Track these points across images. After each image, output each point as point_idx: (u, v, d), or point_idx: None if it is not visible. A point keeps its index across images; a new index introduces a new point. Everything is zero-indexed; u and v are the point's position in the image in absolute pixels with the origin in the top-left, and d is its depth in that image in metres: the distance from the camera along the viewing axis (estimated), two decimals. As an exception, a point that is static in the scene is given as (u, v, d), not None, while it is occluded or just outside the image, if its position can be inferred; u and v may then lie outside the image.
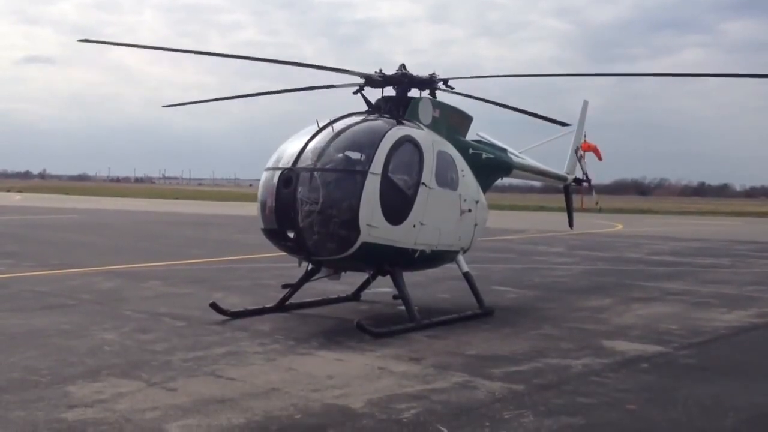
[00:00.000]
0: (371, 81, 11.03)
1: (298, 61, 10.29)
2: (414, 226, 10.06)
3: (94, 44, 10.25)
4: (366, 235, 9.49)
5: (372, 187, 9.54)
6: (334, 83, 11.22)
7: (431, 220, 10.30)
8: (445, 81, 11.42)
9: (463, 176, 11.22)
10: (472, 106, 11.99)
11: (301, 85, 11.87)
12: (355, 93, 11.16)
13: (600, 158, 28.40)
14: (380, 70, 11.06)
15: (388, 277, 10.51)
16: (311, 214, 9.49)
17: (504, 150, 13.32)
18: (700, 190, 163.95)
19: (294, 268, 11.01)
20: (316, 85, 11.55)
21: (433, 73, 11.31)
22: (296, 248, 9.89)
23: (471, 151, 11.85)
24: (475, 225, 11.53)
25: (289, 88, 12.25)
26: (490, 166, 12.41)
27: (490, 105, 12.21)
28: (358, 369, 7.79)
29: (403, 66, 11.23)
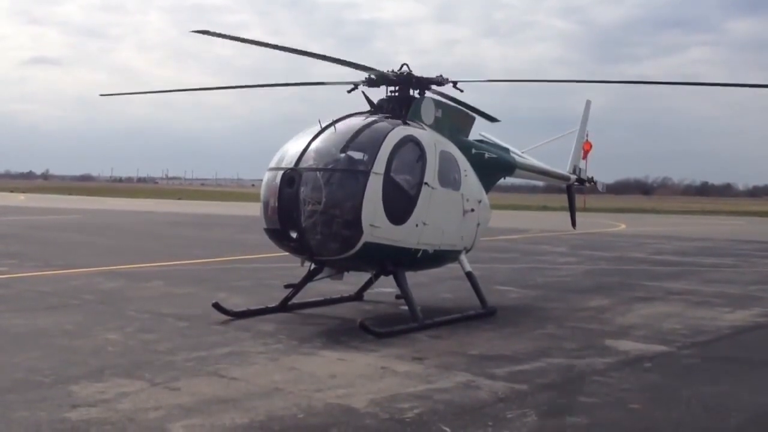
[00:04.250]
0: (369, 80, 11.02)
1: (307, 51, 10.14)
2: (416, 225, 10.06)
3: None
4: (368, 235, 9.49)
5: (374, 187, 9.53)
6: (341, 78, 11.22)
7: (434, 220, 10.29)
8: (454, 83, 11.39)
9: (466, 176, 11.21)
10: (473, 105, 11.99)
11: (305, 87, 11.87)
12: (349, 92, 11.19)
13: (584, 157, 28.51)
14: (392, 70, 11.06)
15: (391, 277, 10.51)
16: (314, 214, 9.48)
17: (507, 150, 13.31)
18: (703, 190, 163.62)
19: (297, 268, 11.01)
20: (315, 82, 11.50)
21: (441, 75, 11.27)
22: (299, 248, 9.89)
23: (473, 150, 11.84)
24: (478, 225, 11.52)
25: (289, 85, 12.21)
26: (493, 165, 12.40)
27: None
28: (361, 369, 7.79)
29: (405, 66, 11.22)
